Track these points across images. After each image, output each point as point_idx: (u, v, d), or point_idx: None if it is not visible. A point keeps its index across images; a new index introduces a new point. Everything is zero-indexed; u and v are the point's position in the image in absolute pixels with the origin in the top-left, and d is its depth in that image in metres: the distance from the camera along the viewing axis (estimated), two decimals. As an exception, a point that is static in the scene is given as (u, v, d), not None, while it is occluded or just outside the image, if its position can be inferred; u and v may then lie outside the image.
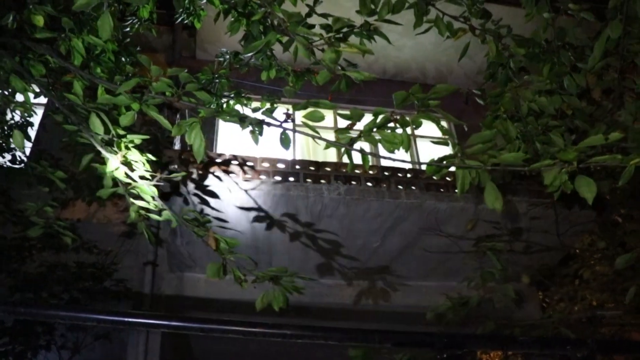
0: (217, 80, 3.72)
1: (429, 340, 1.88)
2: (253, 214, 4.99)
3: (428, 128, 6.97)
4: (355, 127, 2.05)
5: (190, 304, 5.75)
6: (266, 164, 4.98)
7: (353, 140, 1.96)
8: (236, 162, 4.89)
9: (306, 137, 6.83)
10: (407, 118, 2.02)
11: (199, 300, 5.70)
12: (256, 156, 4.99)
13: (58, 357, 4.67)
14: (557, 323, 5.00)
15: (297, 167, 5.05)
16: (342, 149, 1.95)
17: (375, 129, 1.94)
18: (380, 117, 1.92)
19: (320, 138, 2.00)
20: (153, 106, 2.13)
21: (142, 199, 2.62)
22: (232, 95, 3.91)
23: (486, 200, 1.87)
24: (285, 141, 2.09)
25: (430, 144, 7.54)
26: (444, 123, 7.97)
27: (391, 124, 1.95)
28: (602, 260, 5.47)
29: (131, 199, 2.64)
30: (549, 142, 2.48)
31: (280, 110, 2.18)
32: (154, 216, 2.75)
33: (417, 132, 7.53)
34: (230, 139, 6.78)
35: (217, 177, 4.76)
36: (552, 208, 5.14)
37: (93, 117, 2.22)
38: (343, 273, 5.87)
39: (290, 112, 2.12)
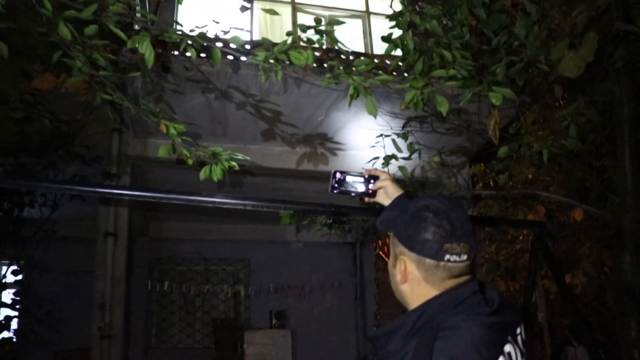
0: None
1: (322, 209, 2.59)
2: (208, 88, 5.53)
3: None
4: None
5: (153, 164, 6.44)
6: (220, 44, 5.42)
7: (267, 56, 2.53)
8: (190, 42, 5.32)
9: (264, 19, 7.14)
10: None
11: (161, 162, 6.36)
12: (211, 36, 5.41)
13: (40, 213, 5.38)
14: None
15: (248, 47, 5.51)
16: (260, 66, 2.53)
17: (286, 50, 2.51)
18: (289, 40, 2.48)
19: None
20: (112, 21, 2.63)
21: (106, 89, 3.17)
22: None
23: (367, 109, 2.49)
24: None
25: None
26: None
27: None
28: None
29: (97, 88, 3.20)
30: (443, 56, 3.06)
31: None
32: (117, 100, 3.32)
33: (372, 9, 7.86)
34: (190, 18, 7.08)
35: (174, 55, 5.22)
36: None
37: (61, 25, 2.70)
38: (289, 141, 6.57)
39: None
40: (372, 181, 2.03)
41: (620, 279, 4.12)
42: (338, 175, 2.07)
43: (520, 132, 6.03)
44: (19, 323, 5.67)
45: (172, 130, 3.01)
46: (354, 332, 10.47)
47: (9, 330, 5.35)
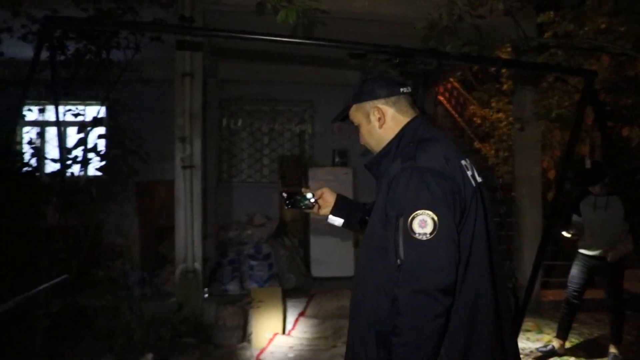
0: None
1: (383, 50, 2.84)
2: None
3: None
4: None
5: (223, 10, 6.62)
6: None
7: None
8: None
9: None
10: None
11: (231, 5, 6.51)
12: None
13: (124, 55, 5.81)
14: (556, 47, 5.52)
15: None
16: None
17: None
18: None
19: None
20: None
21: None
22: None
23: None
24: None
25: None
26: None
27: None
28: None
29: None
30: None
31: None
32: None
33: None
34: None
35: None
36: None
37: None
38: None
39: None
40: (312, 196, 2.46)
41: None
42: (284, 195, 2.50)
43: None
44: (113, 155, 6.32)
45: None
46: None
47: (105, 160, 6.06)
